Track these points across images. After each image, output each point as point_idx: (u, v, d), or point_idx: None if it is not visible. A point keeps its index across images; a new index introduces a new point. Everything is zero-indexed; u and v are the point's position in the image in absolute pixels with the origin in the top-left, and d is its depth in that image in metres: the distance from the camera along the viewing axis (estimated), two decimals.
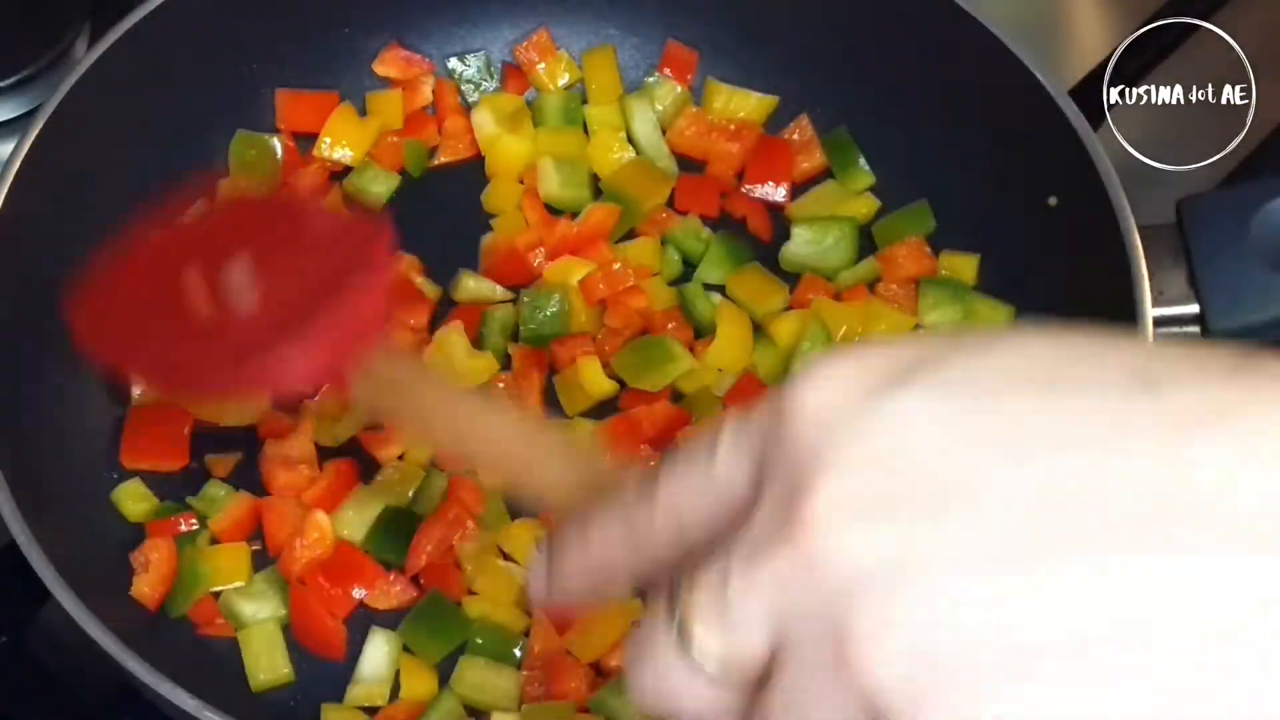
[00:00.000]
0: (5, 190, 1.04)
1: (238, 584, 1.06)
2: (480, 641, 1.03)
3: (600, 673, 1.02)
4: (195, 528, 1.08)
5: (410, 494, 1.08)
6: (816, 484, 0.47)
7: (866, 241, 1.21)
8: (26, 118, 1.19)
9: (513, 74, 1.28)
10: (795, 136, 1.24)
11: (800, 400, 0.48)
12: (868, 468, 0.46)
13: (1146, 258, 1.01)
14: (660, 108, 1.25)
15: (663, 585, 0.51)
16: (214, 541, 1.07)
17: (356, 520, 1.07)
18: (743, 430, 0.51)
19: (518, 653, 1.03)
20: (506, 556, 1.06)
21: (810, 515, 0.46)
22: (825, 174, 1.24)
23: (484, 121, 1.24)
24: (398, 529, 1.06)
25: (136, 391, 1.12)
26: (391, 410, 0.79)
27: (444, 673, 1.03)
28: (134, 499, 1.08)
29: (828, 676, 0.46)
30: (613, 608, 1.03)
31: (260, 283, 0.79)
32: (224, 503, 1.08)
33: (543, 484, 0.66)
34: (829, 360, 0.49)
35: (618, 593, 0.57)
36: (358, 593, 1.05)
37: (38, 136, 1.06)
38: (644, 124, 1.25)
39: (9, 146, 1.06)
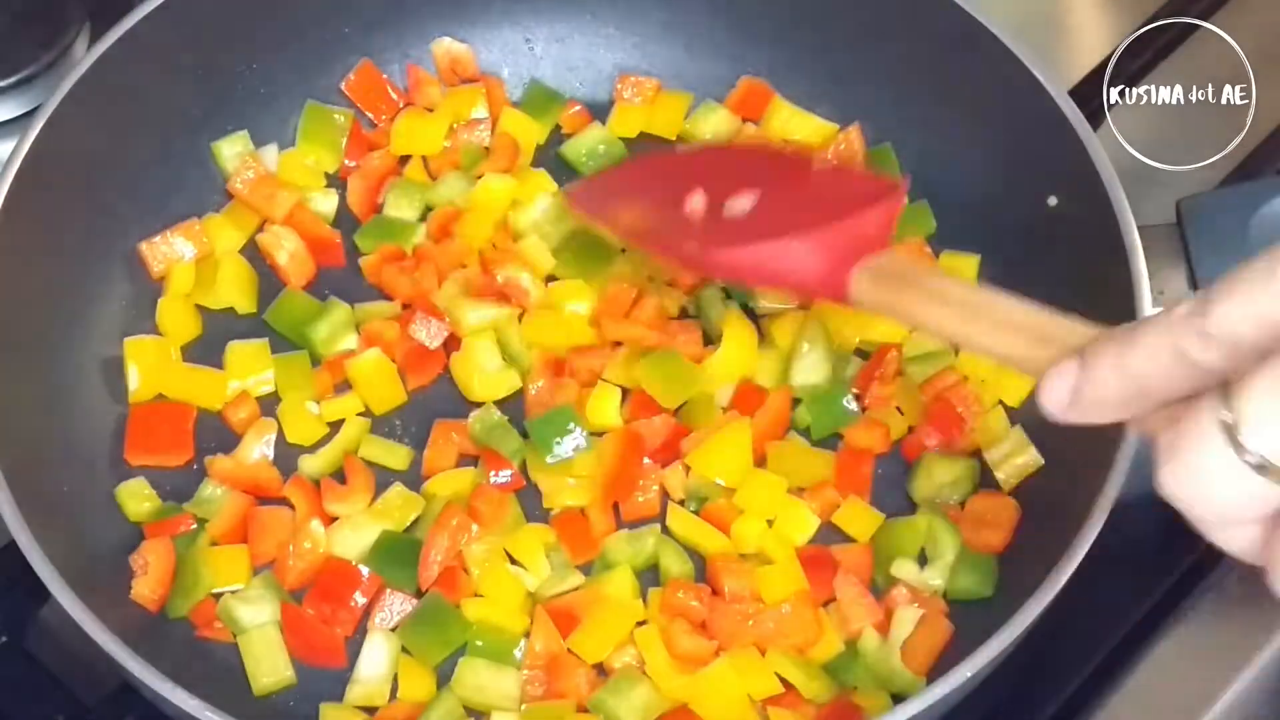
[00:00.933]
0: (5, 189, 1.04)
1: (237, 586, 1.05)
2: (480, 644, 1.03)
3: (602, 672, 1.03)
4: (194, 528, 1.08)
5: (409, 520, 1.08)
6: None
7: None
8: (27, 117, 1.19)
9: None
10: (842, 148, 1.23)
11: None
12: None
13: (1146, 258, 1.01)
14: (711, 135, 1.25)
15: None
16: (213, 544, 1.07)
17: (353, 539, 1.07)
18: None
19: (517, 654, 1.03)
20: (514, 561, 1.07)
21: None
22: None
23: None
24: (399, 553, 1.06)
25: (133, 385, 1.13)
26: (889, 304, 0.85)
27: (443, 673, 1.03)
28: (136, 498, 1.08)
29: None
30: (615, 610, 1.03)
31: (767, 203, 0.96)
32: (220, 504, 1.08)
33: (1031, 358, 0.71)
34: None
35: (1137, 414, 0.62)
36: (360, 599, 1.05)
37: (38, 136, 1.06)
38: None
39: (9, 146, 1.06)
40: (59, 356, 1.11)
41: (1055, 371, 0.65)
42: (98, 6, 1.30)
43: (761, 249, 0.92)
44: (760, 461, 1.10)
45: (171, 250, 1.18)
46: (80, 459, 1.09)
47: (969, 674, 0.88)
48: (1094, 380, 0.63)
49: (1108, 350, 0.62)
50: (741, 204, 0.98)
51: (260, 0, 1.21)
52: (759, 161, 1.10)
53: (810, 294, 0.96)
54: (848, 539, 1.08)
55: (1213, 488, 0.57)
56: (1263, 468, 0.55)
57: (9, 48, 1.28)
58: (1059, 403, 0.65)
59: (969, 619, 1.02)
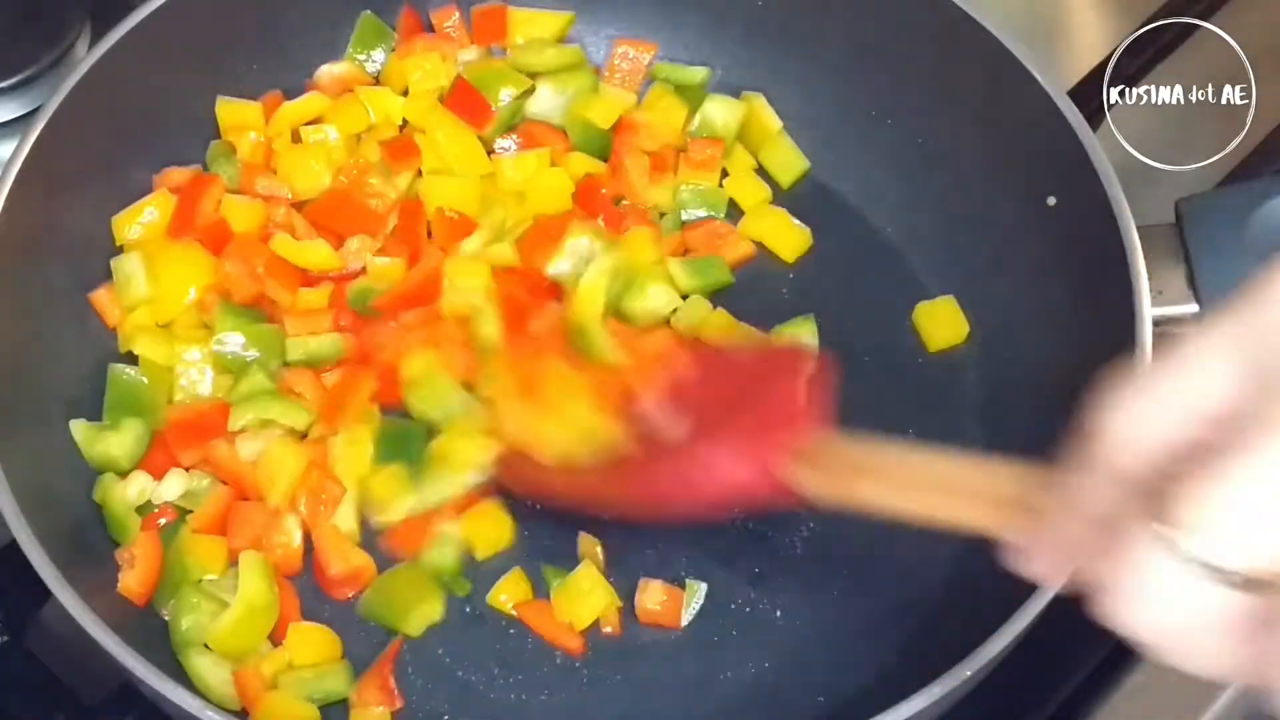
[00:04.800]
0: (7, 190, 1.04)
1: (213, 576, 1.05)
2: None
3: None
4: (176, 520, 1.07)
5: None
6: None
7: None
8: (28, 118, 1.19)
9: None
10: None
11: None
12: None
13: (1146, 257, 1.01)
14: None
15: (1128, 513, 0.53)
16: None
17: (351, 455, 1.08)
18: (1226, 335, 0.51)
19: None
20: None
21: None
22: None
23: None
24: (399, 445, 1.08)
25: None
26: (840, 491, 0.80)
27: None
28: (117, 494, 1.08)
29: None
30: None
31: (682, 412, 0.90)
32: (203, 496, 1.07)
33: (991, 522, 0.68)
34: None
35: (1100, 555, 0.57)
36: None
37: (39, 136, 1.06)
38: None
39: (10, 146, 1.06)
40: (60, 357, 1.11)
41: (1016, 540, 0.63)
42: (98, 7, 1.31)
43: (685, 474, 0.87)
44: None
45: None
46: (81, 459, 1.09)
47: (968, 674, 0.88)
48: (1040, 556, 0.62)
49: (1038, 531, 0.61)
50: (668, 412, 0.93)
51: (261, 2, 1.21)
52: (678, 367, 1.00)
53: (749, 498, 0.86)
54: None
55: (1166, 605, 0.53)
56: (1217, 573, 0.52)
57: (9, 48, 1.28)
58: (1033, 574, 0.63)
59: (969, 619, 1.02)
